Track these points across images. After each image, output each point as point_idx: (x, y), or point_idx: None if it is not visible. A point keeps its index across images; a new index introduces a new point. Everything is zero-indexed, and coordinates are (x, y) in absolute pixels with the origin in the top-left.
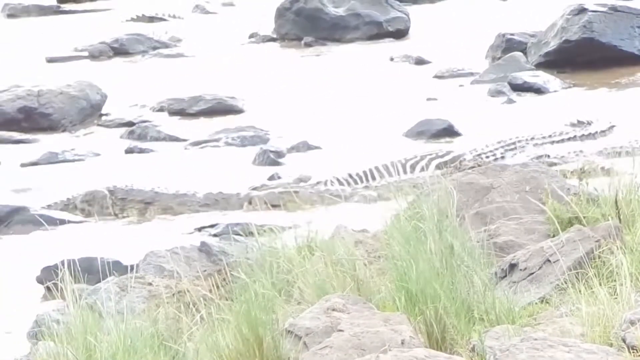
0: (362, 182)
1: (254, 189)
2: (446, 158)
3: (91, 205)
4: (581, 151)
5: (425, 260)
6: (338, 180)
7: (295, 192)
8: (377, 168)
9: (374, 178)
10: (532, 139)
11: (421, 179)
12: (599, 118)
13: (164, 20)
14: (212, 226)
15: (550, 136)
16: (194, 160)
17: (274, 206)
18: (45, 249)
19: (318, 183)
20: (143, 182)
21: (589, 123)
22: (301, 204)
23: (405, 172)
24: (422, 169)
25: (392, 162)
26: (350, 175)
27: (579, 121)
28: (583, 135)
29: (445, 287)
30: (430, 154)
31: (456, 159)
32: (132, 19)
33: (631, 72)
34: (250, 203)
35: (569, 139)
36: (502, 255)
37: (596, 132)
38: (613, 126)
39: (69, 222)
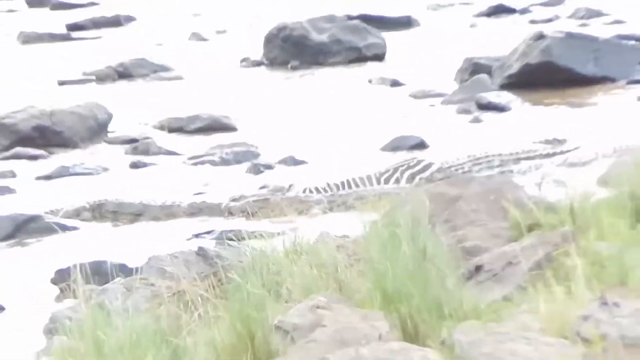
0: (332, 190)
1: (233, 199)
2: (417, 168)
3: (94, 214)
4: (541, 165)
5: (400, 263)
6: (310, 189)
7: (266, 199)
8: (347, 180)
9: (343, 188)
10: (500, 155)
11: (390, 189)
12: (569, 138)
13: (158, 46)
14: (208, 232)
15: (515, 153)
16: (191, 173)
17: (249, 214)
18: (58, 253)
19: (290, 192)
20: (133, 195)
21: (560, 141)
22: (274, 211)
23: (378, 182)
24: (396, 180)
25: (362, 174)
26: (323, 186)
27: (553, 139)
28: (548, 154)
29: (418, 287)
30: (402, 165)
31: (426, 168)
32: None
33: (585, 92)
34: (230, 212)
35: (534, 156)
36: (469, 258)
37: (557, 151)
38: (578, 147)
39: (79, 228)
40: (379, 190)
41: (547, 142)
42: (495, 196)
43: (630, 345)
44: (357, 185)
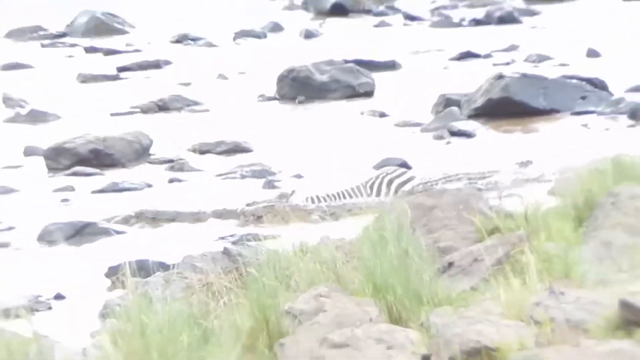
0: (326, 200)
1: (247, 204)
2: (401, 178)
3: (139, 220)
4: (501, 181)
5: (387, 260)
6: (310, 198)
7: (272, 206)
8: (340, 191)
9: (337, 198)
10: (468, 173)
11: (375, 199)
12: (528, 159)
13: (189, 85)
14: (231, 236)
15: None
16: (218, 187)
17: (259, 217)
18: (110, 253)
19: (292, 197)
20: (171, 205)
21: (528, 163)
22: (279, 215)
23: (367, 193)
24: (380, 188)
25: (352, 186)
26: (318, 196)
27: (522, 162)
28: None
29: (401, 280)
30: (384, 174)
31: (409, 180)
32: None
33: (537, 121)
34: (244, 215)
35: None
36: (443, 256)
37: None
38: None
39: (126, 232)
40: (367, 200)
41: (515, 164)
42: (464, 206)
43: (573, 327)
44: (350, 196)
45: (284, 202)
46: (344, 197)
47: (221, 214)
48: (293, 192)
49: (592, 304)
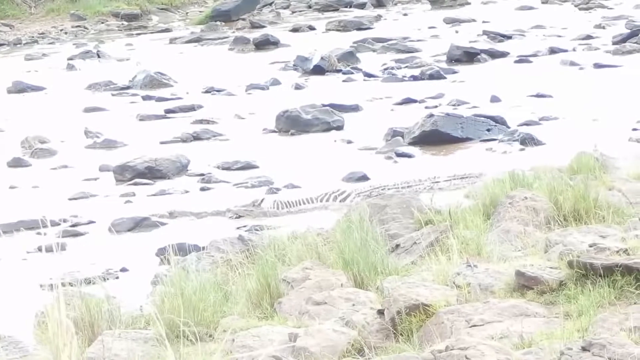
0: (290, 205)
1: (233, 207)
2: (342, 196)
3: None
4: (431, 188)
5: (353, 243)
6: (275, 203)
7: (247, 209)
8: (298, 199)
9: (294, 205)
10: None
11: (327, 205)
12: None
13: (215, 122)
14: (244, 227)
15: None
16: (235, 193)
17: (240, 216)
18: (159, 239)
19: (263, 204)
20: (201, 206)
21: (464, 176)
22: (252, 215)
23: (317, 202)
24: (328, 200)
25: (309, 197)
26: (282, 201)
27: (464, 174)
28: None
29: (362, 256)
30: (331, 192)
31: (347, 196)
32: (196, 121)
33: (456, 147)
34: (230, 213)
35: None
36: (392, 239)
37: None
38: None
39: (169, 224)
40: (315, 206)
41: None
42: (407, 205)
43: (484, 289)
44: (308, 202)
45: (256, 206)
46: (300, 204)
47: (236, 212)
48: (263, 199)
49: (496, 273)
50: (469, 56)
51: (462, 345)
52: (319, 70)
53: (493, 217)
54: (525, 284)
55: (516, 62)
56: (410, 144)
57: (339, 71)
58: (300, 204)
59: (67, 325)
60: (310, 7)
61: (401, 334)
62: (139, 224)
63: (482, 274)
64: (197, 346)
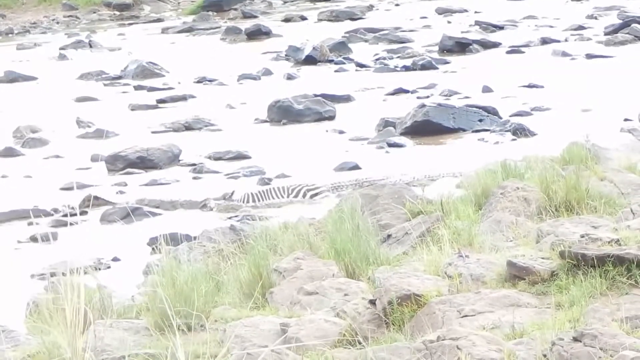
0: (258, 198)
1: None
2: (313, 189)
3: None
4: (423, 180)
5: (344, 233)
6: (245, 196)
7: (219, 202)
8: (267, 190)
9: (267, 197)
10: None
11: (294, 199)
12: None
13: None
14: (236, 216)
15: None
16: (227, 183)
17: (211, 208)
18: (151, 228)
19: (232, 197)
20: (194, 196)
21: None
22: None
23: (287, 194)
24: (297, 193)
25: (277, 187)
26: (251, 194)
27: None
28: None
29: (354, 247)
30: (303, 185)
31: (319, 189)
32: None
33: (447, 137)
34: (205, 206)
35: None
36: (384, 230)
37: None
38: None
39: (162, 214)
40: (283, 199)
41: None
42: (398, 195)
43: (475, 279)
44: (273, 196)
45: (226, 199)
46: (269, 197)
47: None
48: (233, 192)
49: (488, 263)
50: (461, 46)
51: (454, 336)
52: (310, 60)
53: (485, 207)
54: (516, 274)
55: (508, 52)
56: (402, 134)
57: (330, 61)
58: (270, 198)
59: (86, 312)
60: None
61: (393, 324)
62: (130, 213)
63: (473, 264)
64: (189, 336)
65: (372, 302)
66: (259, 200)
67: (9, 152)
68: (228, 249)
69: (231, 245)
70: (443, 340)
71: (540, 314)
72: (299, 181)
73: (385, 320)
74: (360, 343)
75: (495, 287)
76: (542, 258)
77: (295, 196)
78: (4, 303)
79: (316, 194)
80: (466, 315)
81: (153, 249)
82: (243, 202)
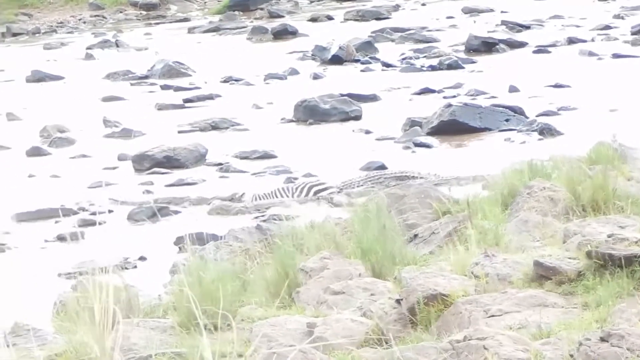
0: (268, 198)
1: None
2: (320, 186)
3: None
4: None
5: (371, 233)
6: (255, 196)
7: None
8: (275, 190)
9: (275, 196)
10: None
11: (297, 198)
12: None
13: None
14: (262, 216)
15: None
16: (253, 182)
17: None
18: (177, 227)
19: (244, 197)
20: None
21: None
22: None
23: (293, 193)
24: (302, 191)
25: (283, 187)
26: (260, 194)
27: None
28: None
29: (381, 246)
30: (308, 183)
31: (325, 187)
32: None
33: (473, 137)
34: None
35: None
36: (410, 229)
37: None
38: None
39: (189, 213)
40: (291, 199)
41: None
42: (425, 195)
43: (502, 279)
44: (280, 195)
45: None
46: (276, 196)
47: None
48: (243, 193)
49: (514, 263)
50: (488, 46)
51: (480, 335)
52: (337, 60)
53: (511, 207)
54: (543, 274)
55: (534, 52)
56: (429, 134)
57: (357, 61)
58: (276, 197)
59: (115, 312)
60: None
61: (419, 324)
62: (157, 213)
63: (500, 264)
64: (216, 335)
65: (399, 302)
66: (264, 200)
67: (36, 152)
68: (254, 249)
69: (257, 245)
70: (470, 340)
71: (567, 314)
72: (305, 179)
73: (411, 320)
74: (387, 342)
75: (522, 287)
76: (569, 258)
77: (299, 195)
78: (31, 302)
79: (321, 190)
80: (493, 315)
81: (180, 248)
82: (251, 202)
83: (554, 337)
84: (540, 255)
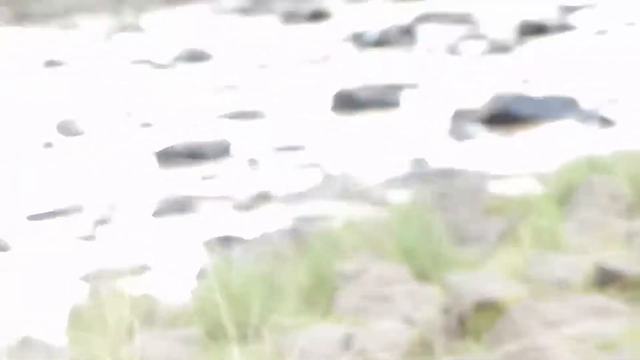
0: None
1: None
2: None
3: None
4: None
5: (415, 233)
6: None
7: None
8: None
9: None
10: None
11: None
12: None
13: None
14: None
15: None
16: (284, 177)
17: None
18: (203, 226)
19: None
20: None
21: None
22: None
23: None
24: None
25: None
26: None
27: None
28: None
29: (425, 248)
30: None
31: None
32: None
33: (527, 127)
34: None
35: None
36: (457, 229)
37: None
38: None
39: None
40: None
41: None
42: (473, 191)
43: (560, 284)
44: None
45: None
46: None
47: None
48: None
49: (573, 266)
50: (540, 30)
51: (537, 346)
52: (377, 44)
53: (570, 205)
54: (606, 278)
55: (590, 36)
56: (478, 124)
57: (397, 46)
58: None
59: (130, 320)
60: None
61: (469, 334)
62: (182, 209)
63: (558, 267)
64: (244, 346)
65: (446, 309)
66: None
67: (52, 144)
68: (287, 252)
69: (290, 248)
70: (526, 351)
71: (632, 323)
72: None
73: (460, 329)
74: (433, 354)
75: (582, 292)
76: (634, 261)
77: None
78: (48, 305)
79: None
80: (550, 324)
81: (206, 251)
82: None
83: (620, 348)
84: (601, 258)
